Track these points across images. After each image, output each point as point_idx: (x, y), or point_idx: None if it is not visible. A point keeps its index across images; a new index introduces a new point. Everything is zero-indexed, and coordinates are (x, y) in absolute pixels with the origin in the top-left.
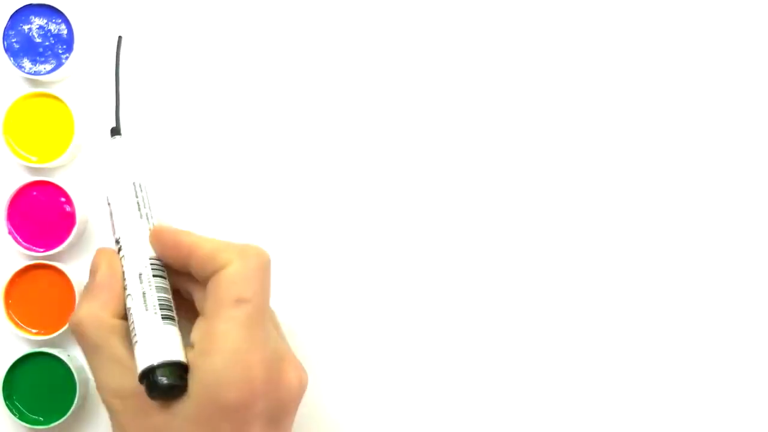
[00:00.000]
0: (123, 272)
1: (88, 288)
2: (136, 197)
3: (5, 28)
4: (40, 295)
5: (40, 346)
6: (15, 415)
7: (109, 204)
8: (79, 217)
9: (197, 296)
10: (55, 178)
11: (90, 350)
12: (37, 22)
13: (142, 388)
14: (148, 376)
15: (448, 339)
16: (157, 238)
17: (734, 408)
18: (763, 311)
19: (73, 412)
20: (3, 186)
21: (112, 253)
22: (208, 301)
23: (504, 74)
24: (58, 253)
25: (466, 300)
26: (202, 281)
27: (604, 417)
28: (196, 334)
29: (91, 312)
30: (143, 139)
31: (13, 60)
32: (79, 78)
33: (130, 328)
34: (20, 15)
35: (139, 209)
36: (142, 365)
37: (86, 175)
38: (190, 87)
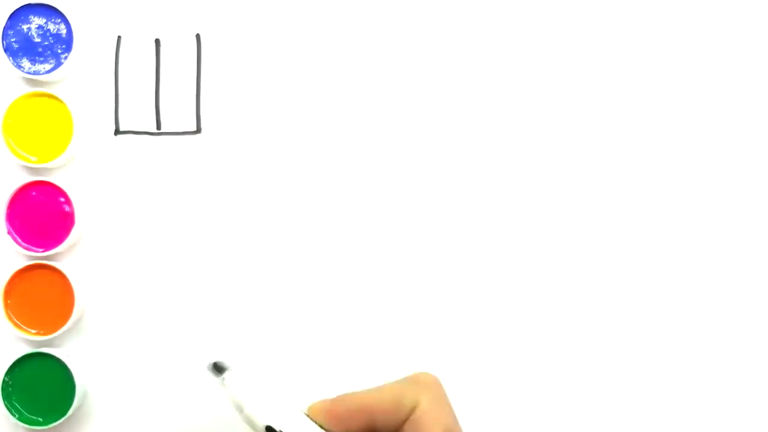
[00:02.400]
0: None
1: None
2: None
3: (4, 27)
4: (40, 295)
5: (40, 347)
6: (14, 415)
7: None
8: (78, 217)
9: None
10: (54, 178)
11: None
12: (37, 21)
13: None
14: None
15: (449, 340)
16: (330, 413)
17: (734, 408)
18: (764, 311)
19: (72, 412)
20: (2, 186)
21: None
22: None
23: (505, 75)
24: (58, 253)
25: (466, 300)
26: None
27: (605, 417)
28: None
29: None
30: (143, 137)
31: (13, 60)
32: (78, 78)
33: None
34: (19, 14)
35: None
36: None
37: (85, 175)
38: (189, 86)
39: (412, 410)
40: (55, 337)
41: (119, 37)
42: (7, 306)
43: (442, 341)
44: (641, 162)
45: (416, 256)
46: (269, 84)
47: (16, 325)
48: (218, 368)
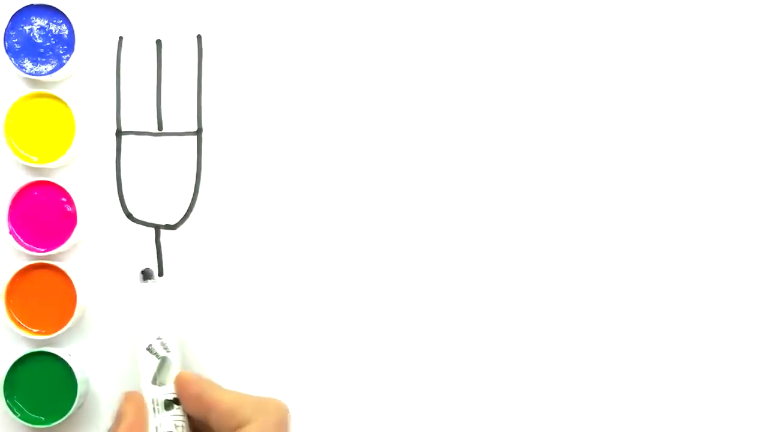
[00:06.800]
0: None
1: None
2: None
3: (6, 28)
4: (41, 294)
5: (41, 346)
6: (16, 414)
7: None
8: (80, 217)
9: None
10: (56, 179)
11: None
12: (38, 22)
13: None
14: None
15: (449, 340)
16: (181, 386)
17: (734, 408)
18: (763, 311)
19: (73, 411)
20: (4, 186)
21: (139, 399)
22: None
23: (506, 75)
24: (59, 253)
25: (466, 301)
26: None
27: (605, 417)
28: None
29: None
30: (144, 138)
31: (14, 60)
32: (80, 78)
33: None
34: (21, 15)
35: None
36: None
37: (87, 176)
38: (191, 87)
39: (240, 427)
40: (56, 337)
41: (121, 37)
42: (9, 305)
43: (441, 341)
44: (641, 162)
45: (414, 255)
46: (270, 85)
47: (18, 324)
48: (146, 275)
